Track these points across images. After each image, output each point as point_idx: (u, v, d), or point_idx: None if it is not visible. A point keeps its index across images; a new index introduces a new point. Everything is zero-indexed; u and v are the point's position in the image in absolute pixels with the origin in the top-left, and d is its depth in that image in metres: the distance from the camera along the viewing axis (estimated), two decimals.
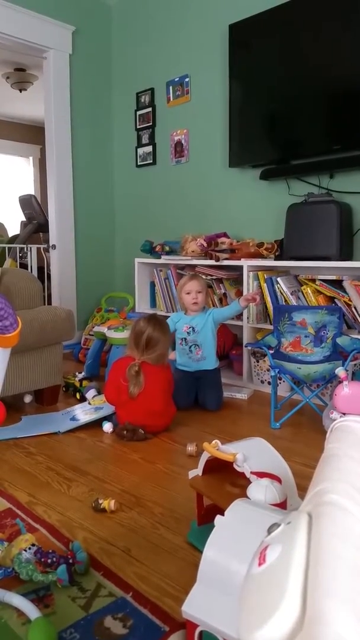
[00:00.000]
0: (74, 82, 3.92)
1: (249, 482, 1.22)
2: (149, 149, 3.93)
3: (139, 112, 3.98)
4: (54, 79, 3.80)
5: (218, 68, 3.38)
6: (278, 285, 2.80)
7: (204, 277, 3.08)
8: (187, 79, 3.61)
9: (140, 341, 2.27)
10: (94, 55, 4.05)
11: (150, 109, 3.89)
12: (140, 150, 4.00)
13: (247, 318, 2.94)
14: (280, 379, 2.69)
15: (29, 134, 7.31)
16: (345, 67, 2.66)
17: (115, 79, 4.18)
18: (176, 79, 3.68)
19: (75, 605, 1.17)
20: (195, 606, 0.87)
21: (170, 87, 3.73)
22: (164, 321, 2.42)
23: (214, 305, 3.15)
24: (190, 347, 2.68)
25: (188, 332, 2.67)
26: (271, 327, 2.63)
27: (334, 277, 2.66)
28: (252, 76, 3.10)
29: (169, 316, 2.80)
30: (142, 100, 3.95)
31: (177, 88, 3.69)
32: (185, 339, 2.69)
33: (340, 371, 2.17)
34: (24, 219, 5.46)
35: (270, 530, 0.62)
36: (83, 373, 3.04)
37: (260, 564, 0.55)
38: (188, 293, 2.66)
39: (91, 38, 4.01)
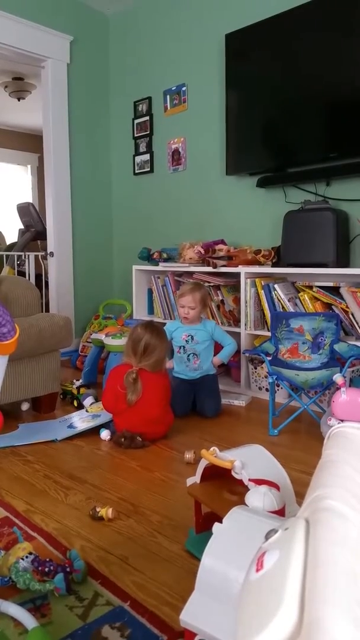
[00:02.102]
0: (72, 91, 3.94)
1: (247, 489, 1.21)
2: (147, 157, 3.95)
3: (136, 121, 4.00)
4: (52, 88, 3.82)
5: (215, 77, 3.41)
6: (275, 292, 2.81)
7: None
8: (184, 88, 3.64)
9: (138, 348, 2.27)
10: (91, 64, 4.07)
11: (147, 118, 3.91)
12: (138, 159, 4.02)
13: (245, 325, 2.94)
14: (278, 385, 2.69)
15: (27, 143, 7.33)
16: (341, 75, 2.68)
17: (112, 88, 4.20)
18: (173, 88, 3.71)
19: (73, 615, 1.16)
20: (194, 615, 0.86)
21: (168, 96, 3.75)
22: (161, 328, 2.42)
23: (212, 313, 3.15)
24: (188, 355, 2.68)
25: (187, 341, 2.68)
26: (269, 334, 2.64)
27: (331, 284, 2.66)
28: (248, 85, 3.12)
29: (166, 323, 2.80)
30: (140, 108, 3.97)
31: (174, 97, 3.71)
32: (184, 347, 2.69)
33: (338, 378, 2.18)
34: (22, 226, 5.46)
35: (267, 536, 0.62)
36: (80, 380, 3.04)
37: (257, 570, 0.55)
38: (182, 306, 2.68)
39: (89, 47, 4.03)
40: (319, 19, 2.73)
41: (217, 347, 2.79)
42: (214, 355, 2.74)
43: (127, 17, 4.03)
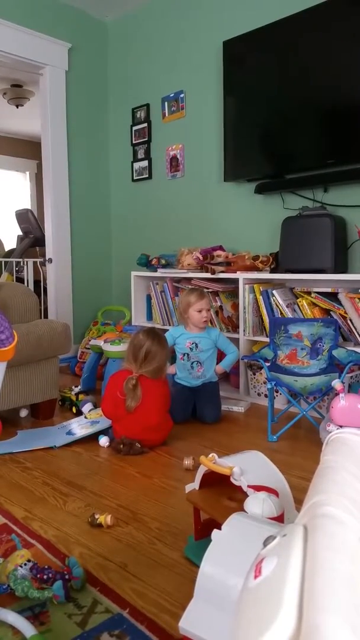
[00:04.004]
0: (70, 98, 3.96)
1: (246, 495, 1.21)
2: (145, 163, 3.97)
3: (134, 128, 4.02)
4: (51, 95, 3.83)
5: (212, 84, 3.43)
6: (274, 297, 2.81)
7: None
8: (182, 95, 3.66)
9: (139, 354, 2.27)
10: (90, 71, 4.09)
11: (145, 125, 3.93)
12: (136, 165, 4.04)
13: (244, 331, 2.94)
14: (277, 391, 2.68)
15: (26, 149, 7.36)
16: (338, 82, 2.70)
17: (111, 95, 4.22)
18: (171, 95, 3.73)
19: (72, 622, 1.16)
20: (193, 622, 0.86)
21: (166, 103, 3.77)
22: (162, 335, 2.42)
23: (210, 320, 3.15)
24: (192, 363, 2.68)
25: (191, 348, 2.67)
26: (267, 340, 2.64)
27: (329, 290, 2.67)
28: (246, 92, 3.14)
29: (165, 329, 2.80)
30: (138, 115, 3.99)
31: (172, 104, 3.73)
32: (188, 354, 2.68)
33: (336, 383, 2.18)
34: (20, 233, 5.47)
35: (266, 542, 0.62)
36: (79, 387, 3.03)
37: (256, 577, 0.55)
38: (199, 311, 2.64)
39: (87, 55, 4.06)
40: (316, 27, 2.75)
41: (220, 354, 2.78)
42: (217, 364, 2.74)
43: (125, 24, 4.05)
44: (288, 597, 0.45)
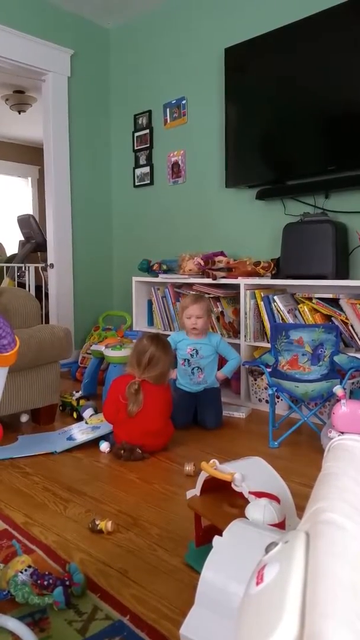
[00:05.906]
0: (72, 104, 3.98)
1: (247, 502, 1.21)
2: (147, 169, 3.98)
3: (136, 134, 4.03)
4: (53, 101, 3.85)
5: (214, 90, 3.44)
6: (275, 303, 2.81)
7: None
8: (183, 101, 3.67)
9: (142, 359, 2.27)
10: (92, 77, 4.12)
11: (147, 131, 3.94)
12: (138, 171, 4.05)
13: (245, 336, 2.94)
14: (278, 397, 2.68)
15: (28, 155, 7.39)
16: (339, 88, 2.71)
17: (113, 101, 4.24)
18: (173, 101, 3.75)
19: (72, 629, 1.15)
20: (193, 629, 0.86)
21: (167, 109, 3.79)
22: (166, 341, 2.42)
23: (212, 325, 3.15)
24: (192, 369, 2.67)
25: (191, 355, 2.67)
26: (268, 345, 2.64)
27: (330, 296, 2.67)
28: (247, 98, 3.15)
29: (166, 334, 2.80)
30: (140, 122, 4.01)
31: (174, 110, 3.75)
32: (188, 360, 2.68)
33: (338, 389, 2.18)
34: (22, 238, 5.49)
35: (268, 549, 0.62)
36: (80, 392, 3.03)
37: (258, 584, 0.55)
38: (188, 317, 2.65)
39: (89, 61, 4.08)
40: (317, 34, 2.77)
41: (221, 360, 2.78)
42: (218, 369, 2.74)
43: (127, 31, 4.08)
44: (290, 604, 0.45)
